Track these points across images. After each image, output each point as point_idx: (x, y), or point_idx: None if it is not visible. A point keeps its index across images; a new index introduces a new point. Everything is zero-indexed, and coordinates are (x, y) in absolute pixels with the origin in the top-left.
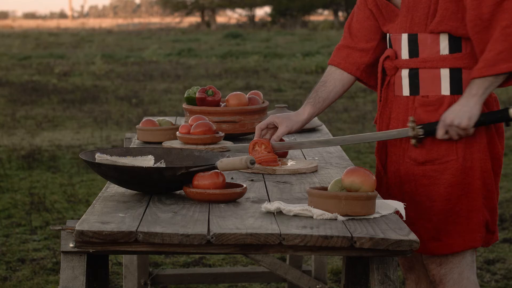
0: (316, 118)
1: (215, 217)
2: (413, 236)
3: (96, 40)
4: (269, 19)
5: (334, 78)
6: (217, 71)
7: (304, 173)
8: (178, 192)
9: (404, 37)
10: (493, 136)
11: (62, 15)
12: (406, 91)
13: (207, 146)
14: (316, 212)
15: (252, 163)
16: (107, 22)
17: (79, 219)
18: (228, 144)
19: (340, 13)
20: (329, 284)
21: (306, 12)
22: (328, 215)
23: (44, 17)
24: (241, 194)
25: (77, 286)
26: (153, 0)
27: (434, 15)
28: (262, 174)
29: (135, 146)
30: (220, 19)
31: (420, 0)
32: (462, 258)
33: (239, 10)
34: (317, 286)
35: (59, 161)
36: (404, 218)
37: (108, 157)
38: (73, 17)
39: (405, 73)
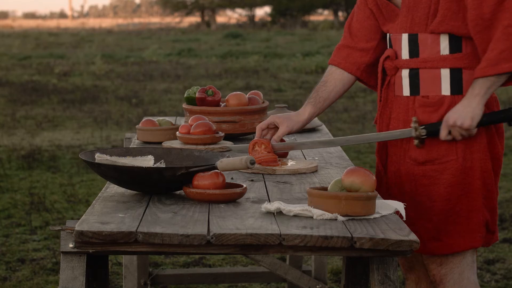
0: (316, 118)
1: (215, 217)
2: (413, 236)
3: (96, 40)
4: (269, 19)
5: (335, 78)
6: (217, 71)
7: (304, 173)
8: (178, 192)
9: (405, 37)
10: (493, 136)
11: (62, 15)
12: (406, 91)
13: (207, 146)
14: (316, 212)
15: (252, 163)
16: (107, 22)
17: (79, 219)
18: (228, 144)
19: (340, 13)
20: (329, 284)
21: (306, 12)
22: (328, 215)
23: (44, 17)
24: (241, 194)
25: (77, 287)
26: (153, 0)
27: (434, 15)
28: (262, 174)
29: (135, 146)
30: (220, 19)
31: (420, 0)
32: (463, 258)
33: (239, 10)
34: (317, 286)
35: (59, 161)
36: (404, 218)
37: (108, 157)
38: (73, 17)
39: (405, 73)
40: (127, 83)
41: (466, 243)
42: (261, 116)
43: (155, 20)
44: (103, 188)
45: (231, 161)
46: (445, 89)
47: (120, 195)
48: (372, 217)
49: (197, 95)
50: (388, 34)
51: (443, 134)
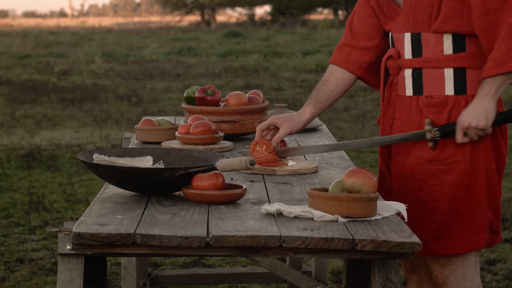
0: (316, 117)
1: (215, 219)
2: (415, 238)
3: (96, 39)
4: (269, 18)
5: (336, 78)
6: (217, 70)
7: (305, 173)
8: (177, 193)
9: (407, 36)
10: (497, 136)
11: (62, 14)
12: (409, 91)
13: (206, 146)
14: (317, 214)
15: (252, 164)
16: (107, 21)
17: (77, 219)
18: (228, 144)
19: (340, 12)
20: (330, 285)
21: (306, 11)
22: (329, 216)
23: (44, 16)
24: (241, 195)
25: None
26: None
27: (437, 14)
28: (262, 174)
29: (133, 147)
30: (220, 18)
31: None
32: (466, 259)
33: (239, 9)
34: (317, 287)
35: (58, 160)
36: (406, 220)
37: (106, 157)
38: (73, 16)
39: (408, 72)
40: (127, 82)
41: (470, 244)
42: (261, 116)
43: (155, 19)
44: (102, 189)
45: (231, 161)
46: (449, 89)
47: (118, 196)
48: (373, 218)
49: (196, 94)
50: (390, 33)
51: (459, 137)
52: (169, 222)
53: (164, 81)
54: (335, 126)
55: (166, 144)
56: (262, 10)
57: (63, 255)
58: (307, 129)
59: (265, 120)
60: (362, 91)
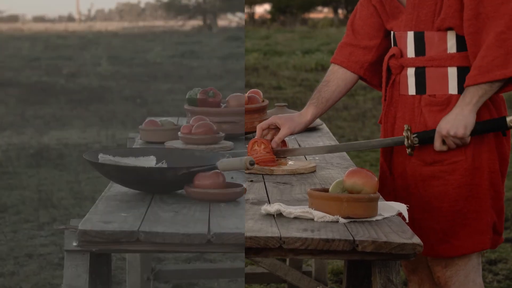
0: None
1: (215, 217)
2: (416, 240)
3: (103, 43)
4: (268, 16)
5: (337, 77)
6: (218, 72)
7: (303, 173)
8: (179, 191)
9: (410, 35)
10: (500, 136)
11: (70, 19)
12: (412, 90)
13: (208, 146)
14: (317, 214)
15: (252, 163)
16: (113, 25)
17: (84, 215)
18: (229, 144)
19: (340, 11)
20: (330, 285)
21: (305, 9)
22: (329, 217)
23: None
24: (241, 193)
25: (81, 284)
26: (157, 4)
27: (440, 12)
28: (262, 174)
29: (138, 146)
30: (221, 22)
31: None
32: (468, 260)
33: (240, 14)
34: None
35: (66, 159)
36: (407, 221)
37: (111, 157)
38: (81, 21)
39: (411, 71)
40: (132, 84)
41: (475, 245)
42: (261, 115)
43: (159, 23)
44: (107, 188)
45: (231, 161)
46: (452, 88)
47: (123, 194)
48: (374, 219)
49: (198, 96)
50: (392, 32)
51: (437, 144)
52: (172, 220)
53: (167, 82)
54: (335, 125)
55: (169, 144)
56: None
57: (69, 251)
58: (307, 129)
59: (265, 119)
60: (362, 90)
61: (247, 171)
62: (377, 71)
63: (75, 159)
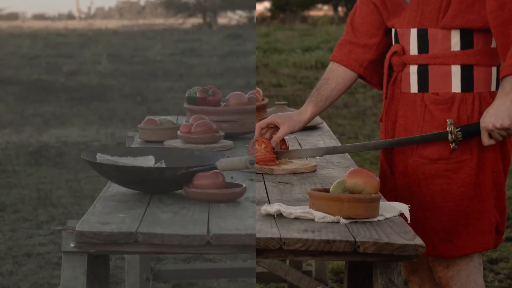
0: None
1: (215, 217)
2: (418, 241)
3: (103, 41)
4: (268, 14)
5: (337, 76)
6: (218, 70)
7: (303, 172)
8: (178, 191)
9: (413, 32)
10: None
11: (70, 17)
12: (414, 88)
13: (207, 145)
14: (318, 215)
15: (252, 163)
16: (113, 23)
17: (83, 214)
18: (228, 143)
19: (339, 8)
20: (330, 284)
21: (305, 7)
22: (330, 218)
23: (53, 18)
24: (241, 194)
25: (78, 286)
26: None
27: (446, 9)
28: (262, 174)
29: (136, 146)
30: (221, 20)
31: None
32: (470, 260)
33: (240, 12)
34: (318, 287)
35: (65, 157)
36: (409, 221)
37: (109, 157)
38: (81, 18)
39: (413, 69)
40: (132, 82)
41: (478, 245)
42: (261, 114)
43: (159, 21)
44: (105, 188)
45: (231, 161)
46: (456, 86)
47: (121, 194)
48: (375, 219)
49: (198, 95)
50: (393, 29)
51: (485, 140)
52: (170, 221)
53: (167, 80)
54: (335, 123)
55: (168, 143)
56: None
57: (66, 252)
58: (307, 127)
59: (265, 118)
60: (362, 88)
61: (247, 170)
62: (377, 69)
63: (74, 158)
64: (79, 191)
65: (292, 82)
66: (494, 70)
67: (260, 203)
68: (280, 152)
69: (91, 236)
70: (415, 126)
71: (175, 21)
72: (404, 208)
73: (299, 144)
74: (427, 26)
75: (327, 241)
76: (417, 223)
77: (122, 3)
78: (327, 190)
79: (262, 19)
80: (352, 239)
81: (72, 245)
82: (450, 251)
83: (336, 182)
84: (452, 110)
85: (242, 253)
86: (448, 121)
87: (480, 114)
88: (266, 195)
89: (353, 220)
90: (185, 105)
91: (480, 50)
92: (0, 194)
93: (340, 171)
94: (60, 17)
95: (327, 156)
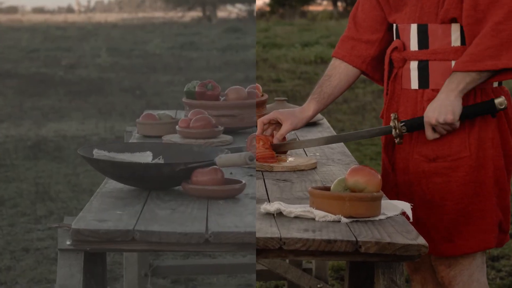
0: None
1: (214, 215)
2: (421, 240)
3: (102, 34)
4: (267, 9)
5: (339, 72)
6: (217, 64)
7: (303, 170)
8: (176, 188)
9: (413, 27)
10: (506, 132)
11: (70, 10)
12: (414, 84)
13: (206, 140)
14: (318, 214)
15: (251, 159)
16: (112, 17)
17: (82, 208)
18: (228, 138)
19: (339, 3)
20: (330, 282)
21: (305, 2)
22: (331, 217)
23: (52, 12)
24: (240, 190)
25: (74, 284)
26: None
27: (444, 3)
28: (261, 171)
29: (134, 141)
30: (221, 13)
31: None
32: (473, 259)
33: (239, 5)
34: (318, 286)
35: (64, 151)
36: (411, 220)
37: (106, 153)
38: (80, 12)
39: (414, 65)
40: (131, 76)
41: (479, 244)
42: (260, 110)
43: (159, 14)
44: (102, 184)
45: (230, 157)
46: None
47: (118, 191)
48: (377, 218)
49: (196, 89)
50: (394, 25)
51: (429, 134)
52: (168, 218)
53: (167, 74)
54: (334, 118)
55: (167, 138)
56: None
57: (62, 250)
58: (308, 124)
59: (264, 114)
60: (362, 83)
61: (246, 167)
62: (380, 65)
63: (73, 152)
64: (77, 185)
65: (291, 77)
66: None
67: (259, 201)
68: (278, 145)
69: (87, 234)
70: None
71: (175, 14)
72: (406, 206)
73: (298, 139)
74: (427, 21)
75: (328, 241)
76: (418, 221)
77: None
78: (327, 189)
79: (261, 14)
80: (354, 239)
81: (68, 243)
82: (451, 250)
83: (337, 180)
84: None
85: (242, 251)
86: (392, 115)
87: None
88: (265, 193)
89: (355, 219)
90: (184, 99)
91: None
92: None
93: (341, 168)
94: (60, 10)
95: (328, 153)
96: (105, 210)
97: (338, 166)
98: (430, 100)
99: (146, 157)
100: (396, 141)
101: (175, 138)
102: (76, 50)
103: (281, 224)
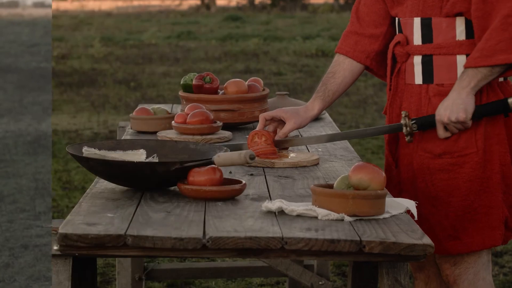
0: None
1: (212, 218)
2: (427, 240)
3: (95, 23)
4: (269, 1)
5: (343, 69)
6: (216, 54)
7: (305, 166)
8: (172, 188)
9: (417, 21)
10: None
11: None
12: (418, 79)
13: (204, 137)
14: (321, 212)
15: (252, 158)
16: (106, 4)
17: (73, 207)
18: (227, 134)
19: None
20: (332, 278)
21: None
22: (334, 215)
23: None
24: (240, 191)
25: None
26: None
27: None
28: (263, 168)
29: (126, 138)
30: (220, 1)
31: None
32: (478, 257)
33: None
34: (320, 283)
35: (55, 146)
36: (416, 218)
37: (97, 150)
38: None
39: (417, 59)
40: (126, 66)
41: (485, 242)
42: (261, 105)
43: (155, 2)
44: (92, 184)
45: (229, 155)
46: None
47: (110, 191)
48: (381, 217)
49: (194, 82)
50: (396, 18)
51: (441, 132)
52: (163, 221)
53: (163, 65)
54: (336, 111)
55: (162, 134)
56: None
57: (53, 256)
58: None
59: (265, 108)
60: (363, 76)
61: (247, 164)
62: (383, 61)
63: (64, 147)
64: (69, 182)
65: (292, 70)
66: None
67: (260, 199)
68: (280, 141)
69: (76, 239)
70: None
71: (172, 2)
72: (411, 204)
73: (301, 135)
74: (431, 14)
75: (331, 241)
76: (422, 218)
77: None
78: (330, 186)
79: (262, 6)
80: (358, 239)
81: (55, 247)
82: (457, 247)
83: (340, 177)
84: None
85: (242, 257)
86: (403, 113)
87: None
88: (267, 190)
89: (358, 218)
90: (181, 93)
91: None
92: None
93: (343, 164)
94: None
95: (330, 149)
96: (95, 212)
97: (341, 162)
98: (434, 95)
99: (139, 156)
100: (406, 139)
101: (170, 134)
102: (68, 39)
103: (283, 223)
